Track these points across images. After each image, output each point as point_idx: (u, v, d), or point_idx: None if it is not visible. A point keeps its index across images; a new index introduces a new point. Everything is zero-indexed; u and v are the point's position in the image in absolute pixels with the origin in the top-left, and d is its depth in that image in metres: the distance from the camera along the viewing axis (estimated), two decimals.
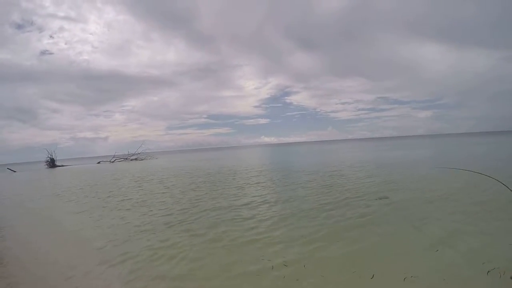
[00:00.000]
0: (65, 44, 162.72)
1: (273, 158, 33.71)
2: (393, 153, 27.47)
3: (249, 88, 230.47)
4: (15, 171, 39.12)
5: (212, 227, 6.03)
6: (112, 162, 46.76)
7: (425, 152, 25.72)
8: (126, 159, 47.99)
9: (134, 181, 16.06)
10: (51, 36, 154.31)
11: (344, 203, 7.46)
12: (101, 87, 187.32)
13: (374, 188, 9.25)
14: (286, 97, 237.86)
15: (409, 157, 21.09)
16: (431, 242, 4.59)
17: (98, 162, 49.02)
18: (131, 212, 8.11)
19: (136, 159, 47.64)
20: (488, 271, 3.52)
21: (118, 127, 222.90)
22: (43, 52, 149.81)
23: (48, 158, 43.50)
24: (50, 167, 42.39)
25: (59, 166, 44.15)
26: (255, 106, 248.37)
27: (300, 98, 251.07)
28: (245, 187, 11.16)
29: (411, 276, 3.57)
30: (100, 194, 11.97)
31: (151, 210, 8.14)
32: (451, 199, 7.11)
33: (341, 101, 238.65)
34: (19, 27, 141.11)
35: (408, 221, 5.71)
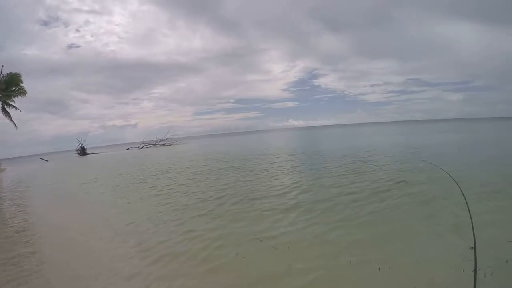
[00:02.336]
0: (91, 36, 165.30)
1: (302, 142, 32.98)
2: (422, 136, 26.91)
3: (277, 72, 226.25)
4: (47, 161, 39.57)
5: (238, 219, 5.73)
6: (141, 148, 47.39)
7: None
8: (154, 145, 48.35)
9: (161, 168, 15.92)
10: (77, 30, 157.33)
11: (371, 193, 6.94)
12: (129, 76, 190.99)
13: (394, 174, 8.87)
14: (314, 80, 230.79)
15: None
16: (421, 232, 4.48)
17: (127, 149, 49.95)
18: (159, 200, 7.92)
19: (164, 144, 47.87)
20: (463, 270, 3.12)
21: (147, 114, 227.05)
22: (70, 46, 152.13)
23: (78, 146, 44.33)
24: (80, 155, 43.21)
25: (90, 154, 44.80)
26: (283, 90, 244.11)
27: (328, 80, 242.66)
28: (271, 173, 10.83)
29: (389, 267, 3.44)
30: (129, 181, 12.03)
31: (175, 199, 7.91)
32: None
33: (370, 83, 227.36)
34: (45, 23, 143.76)
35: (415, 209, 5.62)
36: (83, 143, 44.52)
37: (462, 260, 3.19)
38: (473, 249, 1.85)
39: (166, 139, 49.29)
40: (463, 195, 2.62)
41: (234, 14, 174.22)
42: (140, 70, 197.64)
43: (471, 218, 2.16)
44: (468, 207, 2.41)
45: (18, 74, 26.54)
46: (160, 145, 47.60)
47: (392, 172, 9.06)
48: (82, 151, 43.93)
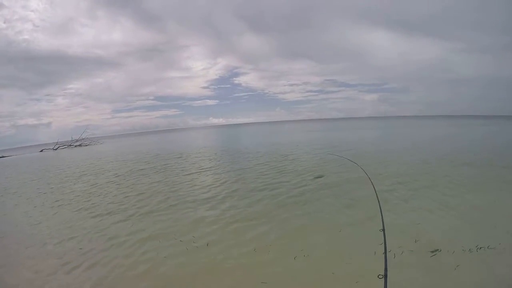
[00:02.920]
0: (4, 23, 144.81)
1: (224, 140, 33.86)
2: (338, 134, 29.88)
3: (197, 69, 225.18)
4: None
5: (167, 225, 5.83)
6: (56, 149, 45.24)
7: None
8: (70, 145, 46.93)
9: (79, 170, 15.32)
10: None
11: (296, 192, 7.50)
12: (43, 69, 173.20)
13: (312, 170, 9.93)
14: (234, 78, 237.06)
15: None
16: (337, 223, 4.97)
17: (41, 150, 46.53)
18: (78, 207, 7.80)
19: (80, 145, 46.88)
20: (375, 252, 3.77)
21: (61, 111, 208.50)
22: None
23: None
24: None
25: None
26: (203, 87, 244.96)
27: (249, 79, 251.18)
28: (194, 174, 11.16)
29: (304, 255, 3.87)
30: (44, 187, 11.49)
31: (95, 205, 7.82)
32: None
33: (289, 82, 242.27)
34: None
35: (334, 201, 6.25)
36: None
37: (375, 244, 3.76)
38: (382, 231, 2.12)
39: (83, 139, 48.79)
40: (375, 190, 2.98)
41: (158, 8, 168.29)
42: (55, 62, 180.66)
43: (380, 206, 2.38)
44: (377, 196, 2.69)
45: None
46: (76, 146, 46.43)
47: (312, 168, 10.11)
48: None
